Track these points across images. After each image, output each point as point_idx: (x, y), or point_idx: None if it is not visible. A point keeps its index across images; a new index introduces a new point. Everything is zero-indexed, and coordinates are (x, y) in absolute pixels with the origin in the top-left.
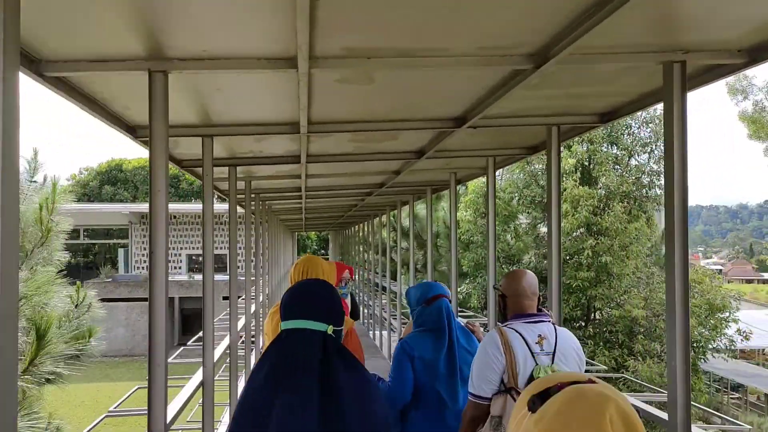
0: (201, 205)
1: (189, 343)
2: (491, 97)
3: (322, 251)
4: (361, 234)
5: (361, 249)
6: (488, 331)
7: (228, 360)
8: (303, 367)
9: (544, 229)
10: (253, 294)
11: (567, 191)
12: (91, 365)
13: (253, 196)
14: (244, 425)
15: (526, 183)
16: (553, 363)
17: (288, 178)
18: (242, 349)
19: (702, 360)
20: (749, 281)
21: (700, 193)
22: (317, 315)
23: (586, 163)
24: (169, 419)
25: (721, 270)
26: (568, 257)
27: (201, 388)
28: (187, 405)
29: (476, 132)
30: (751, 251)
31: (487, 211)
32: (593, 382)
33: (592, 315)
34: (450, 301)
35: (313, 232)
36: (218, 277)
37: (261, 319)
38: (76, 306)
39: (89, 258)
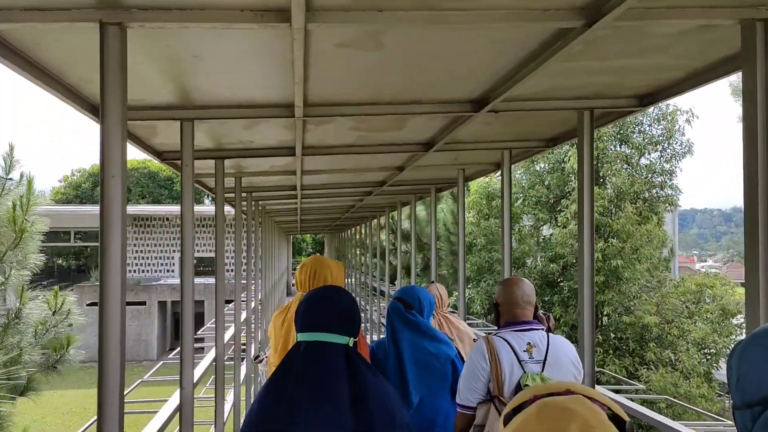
0: (196, 208)
1: (171, 356)
2: (521, 72)
3: (318, 254)
4: (358, 237)
5: (358, 252)
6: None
7: (214, 374)
8: (331, 378)
9: (548, 231)
10: (244, 300)
11: (576, 191)
12: (81, 371)
13: (244, 195)
14: None
15: (531, 183)
16: (543, 371)
17: (282, 174)
18: (231, 360)
19: (715, 368)
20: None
21: (695, 196)
22: (339, 328)
23: (595, 162)
24: None
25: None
26: (575, 260)
27: (178, 413)
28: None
29: (495, 119)
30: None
31: (503, 210)
32: (571, 392)
33: (601, 321)
34: (411, 306)
35: (309, 235)
36: (211, 281)
37: (252, 327)
38: (54, 312)
39: (81, 261)
